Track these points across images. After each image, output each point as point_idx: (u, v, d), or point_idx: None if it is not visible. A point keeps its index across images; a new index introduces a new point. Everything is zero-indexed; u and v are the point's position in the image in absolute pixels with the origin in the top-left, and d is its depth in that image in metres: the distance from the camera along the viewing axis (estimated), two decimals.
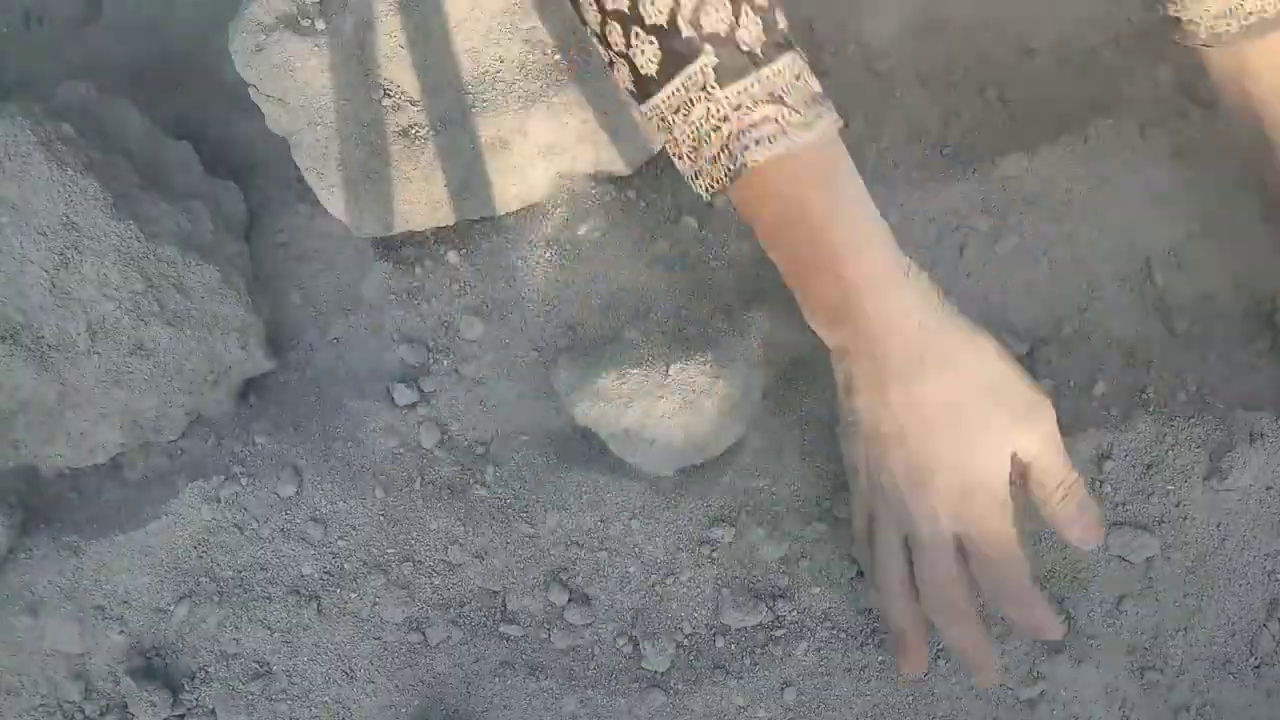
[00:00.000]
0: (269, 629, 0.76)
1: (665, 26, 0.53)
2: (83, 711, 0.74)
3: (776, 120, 0.54)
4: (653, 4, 0.52)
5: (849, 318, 0.59)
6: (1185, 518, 0.76)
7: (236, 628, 0.76)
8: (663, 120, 0.57)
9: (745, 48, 0.53)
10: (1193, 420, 0.78)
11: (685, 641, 0.76)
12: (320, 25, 0.83)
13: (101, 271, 0.77)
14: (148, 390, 0.80)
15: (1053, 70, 0.97)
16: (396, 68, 0.83)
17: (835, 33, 0.96)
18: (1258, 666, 0.73)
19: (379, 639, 0.76)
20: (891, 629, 0.69)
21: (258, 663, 0.75)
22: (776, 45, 0.55)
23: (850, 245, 0.57)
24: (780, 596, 0.76)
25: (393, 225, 0.86)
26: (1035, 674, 0.72)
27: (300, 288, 0.91)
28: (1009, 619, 0.68)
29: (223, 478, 0.79)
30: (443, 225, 0.87)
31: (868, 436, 0.62)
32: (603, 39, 0.56)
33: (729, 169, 0.56)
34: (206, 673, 0.75)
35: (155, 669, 0.76)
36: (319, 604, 0.76)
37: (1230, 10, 0.66)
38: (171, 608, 0.76)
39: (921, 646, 0.68)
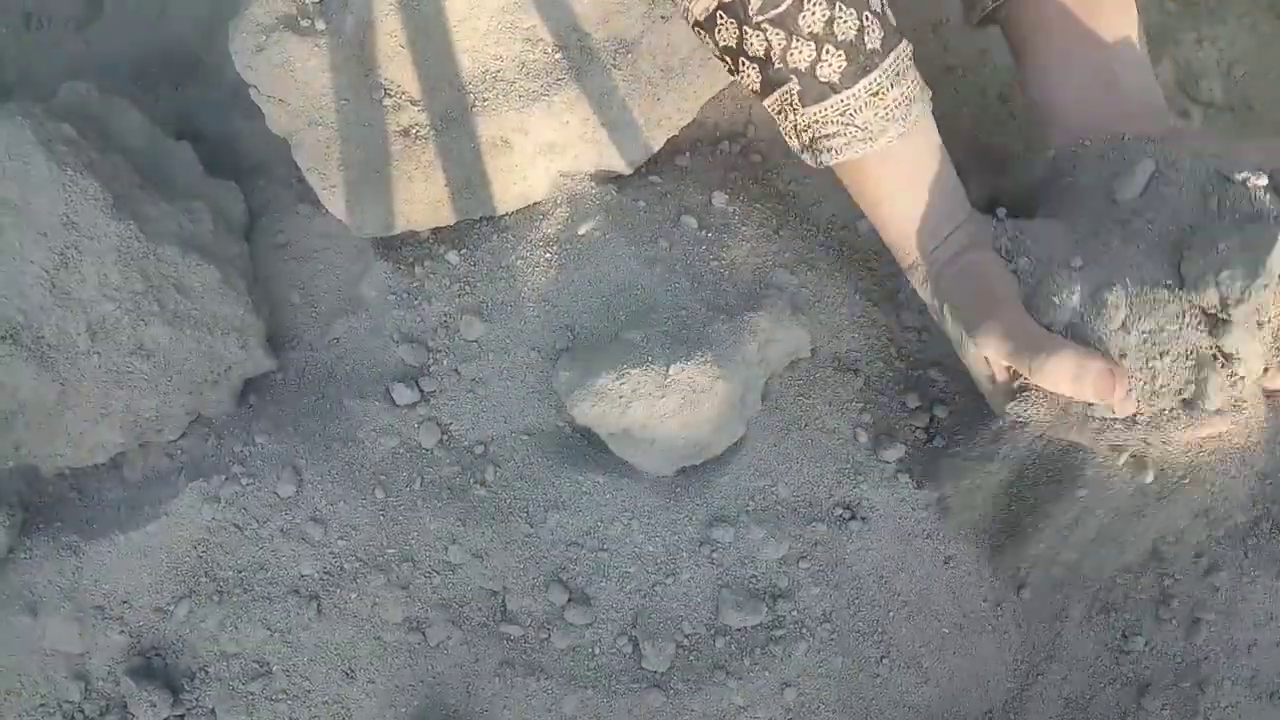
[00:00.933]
0: (269, 629, 0.76)
1: (763, 59, 0.67)
2: (83, 711, 0.74)
3: (845, 135, 0.68)
4: (753, 44, 0.67)
5: (910, 251, 0.74)
6: None
7: (236, 628, 0.76)
8: (771, 113, 0.71)
9: (824, 80, 0.67)
10: None
11: (685, 642, 0.76)
12: (320, 25, 0.83)
13: (102, 272, 0.77)
14: (148, 390, 0.80)
15: None
16: (397, 67, 0.83)
17: None
18: None
19: (379, 639, 0.76)
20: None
21: (258, 662, 0.75)
22: (857, 72, 0.67)
23: (910, 215, 0.73)
24: (780, 597, 0.76)
25: (393, 225, 0.86)
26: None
27: (300, 288, 0.91)
28: None
29: (223, 478, 0.79)
30: (443, 225, 0.87)
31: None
32: (720, 57, 0.71)
33: (815, 160, 0.71)
34: (206, 673, 0.75)
35: (155, 669, 0.76)
36: (319, 604, 0.76)
37: None
38: (171, 608, 0.77)
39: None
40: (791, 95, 0.68)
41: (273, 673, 0.75)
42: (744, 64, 0.68)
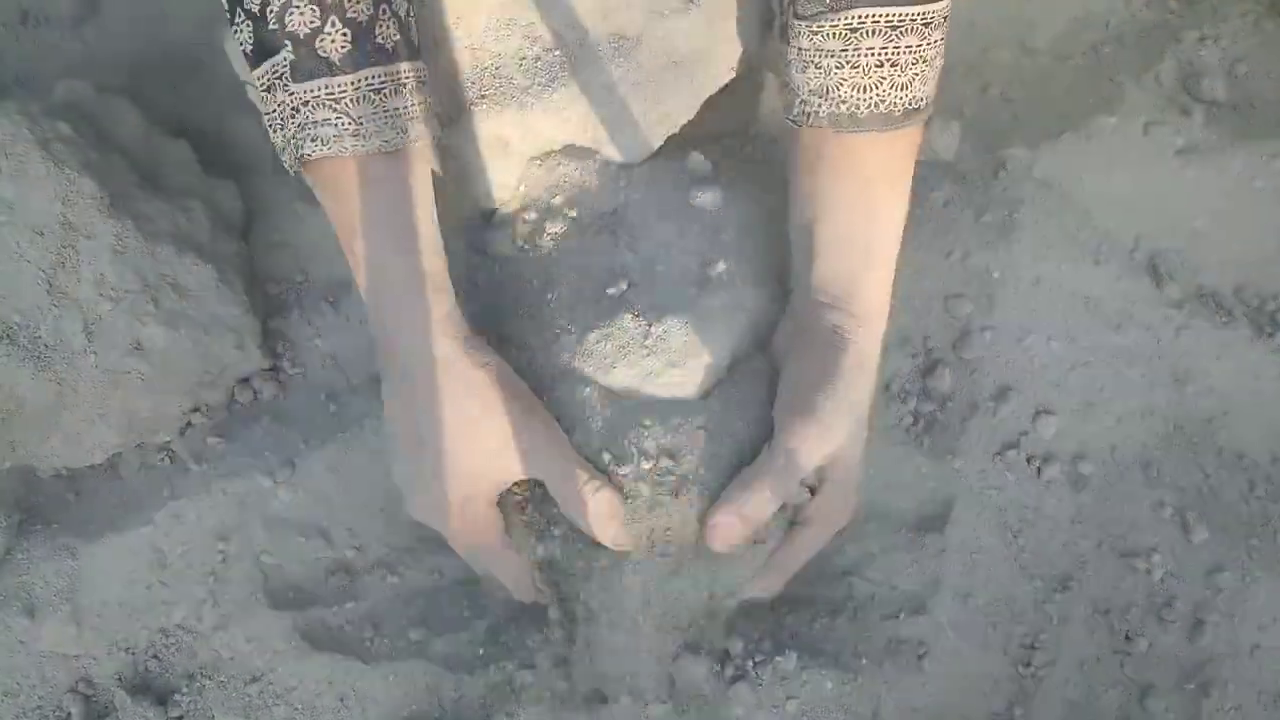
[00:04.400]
0: (266, 630, 0.75)
1: (258, 15, 0.59)
2: (80, 712, 0.74)
3: (334, 125, 0.60)
4: None
5: (375, 318, 0.66)
6: None
7: (233, 629, 0.75)
8: (260, 94, 0.63)
9: (323, 54, 0.60)
10: None
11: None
12: None
13: (98, 271, 0.77)
14: (144, 390, 0.79)
15: (1055, 69, 0.97)
16: None
17: None
18: None
19: (378, 638, 0.76)
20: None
21: (256, 664, 0.75)
22: (363, 59, 0.60)
23: (376, 261, 0.64)
24: (785, 607, 0.75)
25: None
26: None
27: (298, 286, 0.90)
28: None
29: (220, 478, 0.79)
30: (442, 223, 0.87)
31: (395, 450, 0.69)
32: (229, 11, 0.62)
33: (295, 156, 0.62)
34: (204, 674, 0.75)
35: (152, 671, 0.75)
36: (318, 604, 0.76)
37: (823, 92, 0.63)
38: (168, 609, 0.76)
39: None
40: (283, 67, 0.59)
41: (271, 674, 0.75)
42: (239, 19, 0.60)
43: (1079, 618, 0.77)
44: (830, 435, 0.66)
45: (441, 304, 0.65)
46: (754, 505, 0.65)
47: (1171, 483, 0.80)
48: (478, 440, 0.64)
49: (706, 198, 0.78)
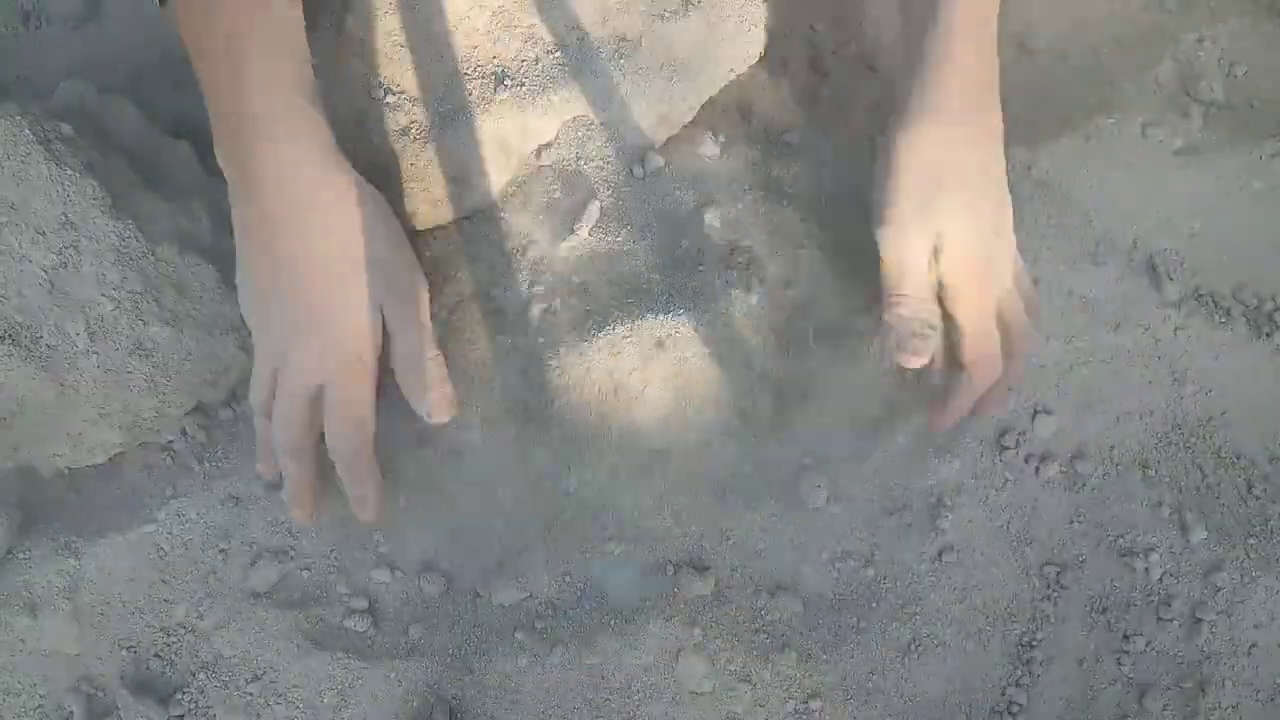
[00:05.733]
0: (267, 629, 0.76)
1: None
2: (82, 712, 0.74)
3: None
4: None
5: (242, 158, 0.58)
6: None
7: (235, 628, 0.76)
8: None
9: None
10: None
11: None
12: (324, 23, 0.83)
13: (100, 271, 0.77)
14: (146, 390, 0.80)
15: (1054, 69, 0.97)
16: (396, 67, 0.83)
17: (835, 32, 0.96)
18: None
19: (378, 637, 0.76)
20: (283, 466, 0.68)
21: (257, 663, 0.75)
22: None
23: (261, 79, 0.55)
24: (784, 589, 0.76)
25: None
26: None
27: None
28: (340, 480, 0.68)
29: (221, 478, 0.79)
30: (442, 223, 0.87)
31: (250, 289, 0.64)
32: None
33: None
34: (205, 674, 0.75)
35: (153, 670, 0.76)
36: (318, 603, 0.76)
37: None
38: (170, 608, 0.76)
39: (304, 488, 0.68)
40: None
41: (273, 673, 0.75)
42: None
43: (1077, 616, 0.77)
44: (908, 231, 0.64)
45: (324, 130, 0.58)
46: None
47: (1170, 482, 0.80)
48: (372, 286, 0.58)
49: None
